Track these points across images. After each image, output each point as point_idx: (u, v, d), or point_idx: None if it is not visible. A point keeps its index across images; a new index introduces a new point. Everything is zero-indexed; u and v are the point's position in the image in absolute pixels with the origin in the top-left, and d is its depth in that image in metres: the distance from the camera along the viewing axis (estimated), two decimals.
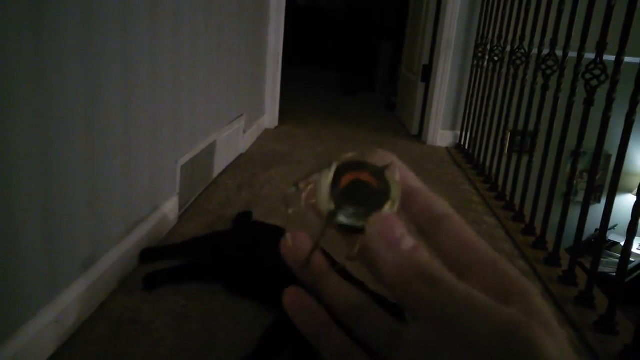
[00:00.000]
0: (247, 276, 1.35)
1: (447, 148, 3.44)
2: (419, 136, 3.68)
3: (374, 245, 0.27)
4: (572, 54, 1.82)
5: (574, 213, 1.74)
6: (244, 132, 2.74)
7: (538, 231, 1.97)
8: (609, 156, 5.43)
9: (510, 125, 2.45)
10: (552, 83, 2.00)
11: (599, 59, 1.60)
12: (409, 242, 0.27)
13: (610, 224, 4.50)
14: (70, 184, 1.08)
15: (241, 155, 2.69)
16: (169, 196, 1.69)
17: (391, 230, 0.27)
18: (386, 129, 3.95)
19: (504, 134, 2.58)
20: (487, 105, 2.82)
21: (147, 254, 1.46)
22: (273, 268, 1.34)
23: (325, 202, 0.27)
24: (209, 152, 2.12)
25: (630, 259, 4.76)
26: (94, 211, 1.20)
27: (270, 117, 3.46)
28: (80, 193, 1.13)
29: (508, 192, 2.35)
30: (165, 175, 1.65)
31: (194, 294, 1.33)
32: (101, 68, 1.16)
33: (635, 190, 5.50)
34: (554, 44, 2.00)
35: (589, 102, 1.66)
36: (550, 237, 1.90)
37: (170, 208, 1.68)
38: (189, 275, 1.39)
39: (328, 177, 0.28)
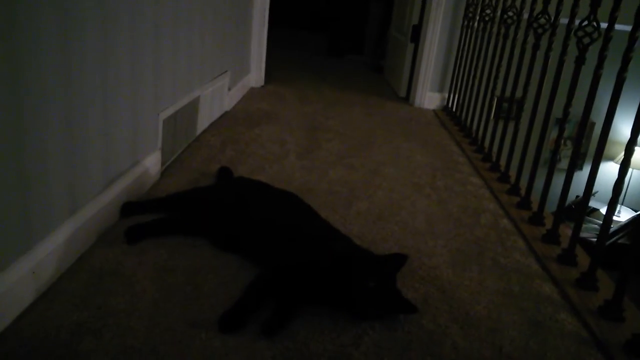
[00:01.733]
0: (232, 230, 1.33)
1: (434, 110, 3.42)
2: (407, 98, 3.64)
3: None
4: (564, 20, 1.78)
5: (557, 181, 1.73)
6: (229, 89, 2.67)
7: (523, 192, 1.97)
8: (592, 124, 5.46)
9: (498, 91, 2.42)
10: (543, 43, 1.96)
11: (592, 16, 1.57)
12: None
13: (592, 191, 4.53)
14: (46, 135, 1.04)
15: (226, 112, 2.64)
16: (150, 151, 1.65)
17: None
18: (373, 91, 3.90)
19: (492, 98, 2.55)
20: (476, 67, 2.78)
21: (128, 208, 1.42)
22: (257, 223, 1.32)
23: None
24: (193, 108, 2.06)
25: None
26: (71, 163, 1.16)
27: (256, 75, 3.38)
28: (57, 144, 1.09)
29: (494, 155, 2.35)
30: (146, 129, 1.61)
31: (177, 248, 1.31)
32: (78, 16, 1.10)
33: (617, 159, 5.57)
34: (546, 2, 1.96)
35: (580, 60, 1.63)
36: (535, 198, 1.90)
37: (152, 163, 1.64)
38: (172, 229, 1.37)
39: None
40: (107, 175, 1.36)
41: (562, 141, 4.57)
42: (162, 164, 1.76)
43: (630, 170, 5.06)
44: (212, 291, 1.16)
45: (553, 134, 1.65)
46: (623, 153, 1.35)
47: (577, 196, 5.30)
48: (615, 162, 5.44)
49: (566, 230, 1.78)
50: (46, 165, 1.06)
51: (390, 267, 1.17)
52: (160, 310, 1.07)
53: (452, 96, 3.28)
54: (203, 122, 2.25)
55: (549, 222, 1.73)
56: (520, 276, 1.41)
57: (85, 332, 0.98)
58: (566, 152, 5.27)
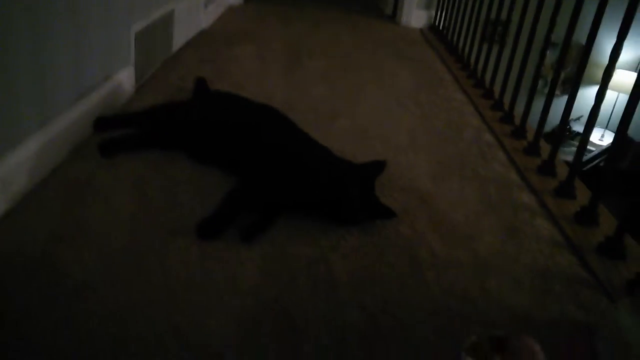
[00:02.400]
0: (209, 143, 1.30)
1: (421, 29, 3.31)
2: (393, 16, 3.51)
3: None
4: None
5: (541, 106, 1.70)
6: (205, 5, 2.54)
7: (506, 107, 1.95)
8: (581, 47, 5.36)
9: (484, 11, 2.33)
10: None
11: None
12: None
13: (576, 115, 4.58)
14: (12, 44, 0.98)
15: (203, 31, 2.52)
16: (123, 65, 1.58)
17: None
18: (359, 10, 3.75)
19: (477, 18, 2.46)
20: None
21: (102, 122, 1.38)
22: (235, 134, 1.29)
23: None
24: (167, 22, 1.97)
25: (591, 148, 4.91)
26: (40, 74, 1.10)
27: None
28: (25, 52, 1.03)
29: (480, 72, 2.30)
30: (118, 43, 1.53)
31: (153, 161, 1.28)
32: None
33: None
34: None
35: None
36: (518, 112, 1.88)
37: (125, 78, 1.58)
38: (148, 143, 1.33)
39: None
40: (78, 89, 1.30)
41: (550, 65, 4.48)
42: (137, 80, 1.69)
43: (616, 94, 5.05)
44: (189, 201, 1.15)
45: (549, 57, 1.62)
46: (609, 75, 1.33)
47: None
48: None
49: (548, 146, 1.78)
50: (13, 75, 1.00)
51: (369, 173, 1.17)
52: (137, 219, 1.07)
53: (439, 14, 3.17)
54: (179, 38, 2.16)
55: (531, 136, 1.72)
56: (499, 186, 1.42)
57: (61, 243, 0.97)
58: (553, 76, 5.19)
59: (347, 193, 1.11)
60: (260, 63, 2.18)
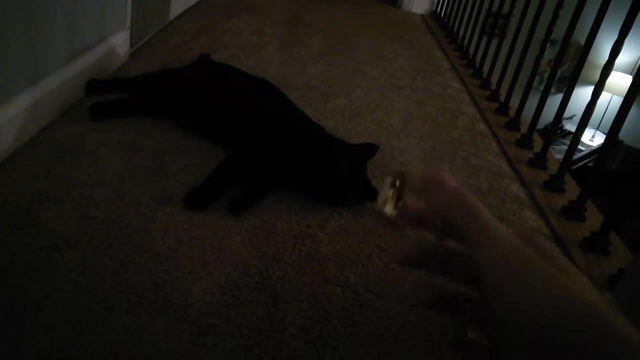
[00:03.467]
0: (201, 113, 1.28)
1: (422, 15, 3.29)
2: (395, 0, 3.47)
3: (428, 187, 0.36)
4: None
5: (536, 102, 1.69)
6: None
7: (502, 98, 1.95)
8: (580, 46, 5.37)
9: (486, 2, 2.32)
10: None
11: None
12: (453, 182, 0.36)
13: (569, 114, 4.58)
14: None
15: (203, 0, 2.48)
16: (118, 29, 1.55)
17: (441, 176, 0.36)
18: None
19: (479, 10, 2.44)
20: None
21: (94, 86, 1.35)
22: (228, 106, 1.28)
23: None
24: None
25: (581, 148, 4.95)
26: (33, 30, 1.07)
27: None
28: (18, 8, 1.00)
29: (478, 62, 2.30)
30: (114, 4, 1.50)
31: (144, 128, 1.26)
32: None
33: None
34: None
35: None
36: (513, 105, 1.88)
37: (120, 41, 1.55)
38: (139, 109, 1.31)
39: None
40: (71, 49, 1.27)
41: (546, 62, 4.47)
42: (131, 45, 1.66)
43: (609, 96, 5.07)
44: (179, 170, 1.13)
45: (547, 54, 1.61)
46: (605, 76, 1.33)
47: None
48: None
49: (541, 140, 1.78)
50: (3, 31, 0.97)
51: (361, 155, 1.16)
52: (124, 184, 1.05)
53: (441, 1, 3.15)
54: (176, 7, 2.12)
55: (524, 129, 1.72)
56: (490, 175, 1.43)
57: (45, 200, 0.96)
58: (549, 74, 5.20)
59: (333, 171, 1.10)
60: (258, 36, 2.16)
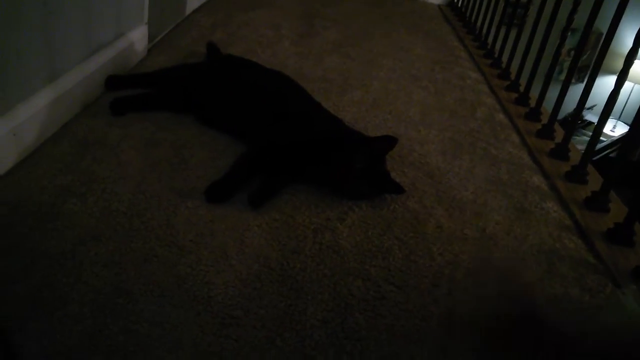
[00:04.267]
0: (220, 107, 1.29)
1: (439, 5, 3.24)
2: None
3: None
4: None
5: (557, 92, 1.66)
6: None
7: (522, 88, 1.92)
8: (600, 34, 5.24)
9: None
10: None
11: None
12: None
13: (590, 104, 4.48)
14: None
15: None
16: (136, 24, 1.56)
17: None
18: None
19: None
20: None
21: (114, 81, 1.37)
22: (247, 100, 1.28)
23: None
24: None
25: (602, 138, 4.86)
26: (50, 26, 1.08)
27: None
28: (35, 6, 1.01)
29: (497, 52, 2.26)
30: (131, 1, 1.50)
31: (164, 122, 1.27)
32: None
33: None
34: None
35: None
36: (533, 95, 1.85)
37: (138, 37, 1.56)
38: (159, 104, 1.32)
39: None
40: (90, 45, 1.29)
41: (566, 51, 4.40)
42: (149, 40, 1.67)
43: (631, 85, 4.95)
44: (199, 164, 1.14)
45: (568, 43, 1.58)
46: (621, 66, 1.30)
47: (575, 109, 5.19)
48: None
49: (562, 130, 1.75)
50: (23, 27, 0.99)
51: (380, 148, 1.16)
52: (146, 178, 1.06)
53: None
54: (193, 1, 2.12)
55: (545, 119, 1.70)
56: (510, 166, 1.41)
57: (69, 195, 0.97)
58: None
59: (351, 163, 1.10)
60: (274, 29, 2.15)
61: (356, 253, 0.97)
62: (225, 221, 0.99)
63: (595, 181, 1.38)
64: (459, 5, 3.05)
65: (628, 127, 5.43)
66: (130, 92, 1.34)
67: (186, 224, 0.96)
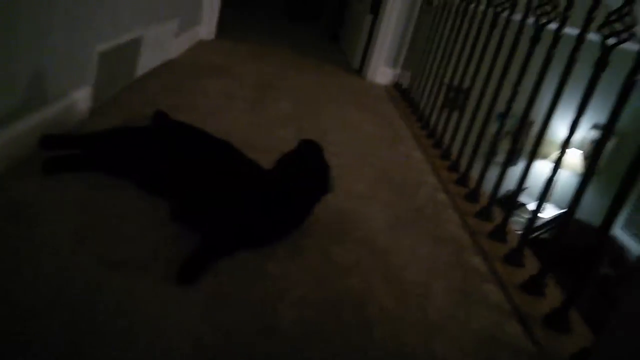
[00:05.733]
0: (159, 173, 1.24)
1: (385, 86, 3.40)
2: (360, 70, 3.60)
3: None
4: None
5: (493, 173, 1.74)
6: (176, 36, 2.52)
7: (462, 169, 1.99)
8: (531, 123, 5.63)
9: (448, 78, 2.43)
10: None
11: None
12: None
13: (523, 187, 4.67)
14: None
15: (171, 60, 2.49)
16: (81, 84, 1.52)
17: None
18: (327, 59, 3.83)
19: (440, 85, 2.55)
20: (430, 49, 2.78)
21: (49, 140, 1.30)
22: (186, 167, 1.25)
23: None
24: (134, 47, 1.93)
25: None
26: None
27: (207, 28, 3.22)
28: None
29: (439, 133, 2.36)
30: (79, 59, 1.47)
31: (99, 186, 1.21)
32: None
33: (550, 157, 5.80)
34: None
35: (535, 40, 1.64)
36: (473, 176, 1.93)
37: (81, 97, 1.52)
38: (95, 166, 1.26)
39: None
40: (27, 100, 1.23)
41: (504, 135, 4.70)
42: (94, 101, 1.63)
43: (560, 170, 5.30)
44: (134, 233, 1.08)
45: (495, 127, 1.70)
46: (557, 152, 1.38)
47: (508, 190, 5.48)
48: (549, 160, 5.66)
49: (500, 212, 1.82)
50: None
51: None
52: (75, 246, 0.99)
53: (404, 73, 3.28)
54: (145, 64, 2.12)
55: (484, 201, 1.75)
56: (452, 247, 1.42)
57: None
58: (505, 145, 5.41)
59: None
60: (226, 98, 2.16)
61: (296, 336, 0.93)
62: (158, 298, 0.92)
63: (532, 265, 1.42)
64: (404, 87, 3.21)
65: (555, 209, 5.78)
66: (66, 152, 1.28)
67: (111, 300, 0.88)
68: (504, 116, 1.75)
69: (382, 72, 3.44)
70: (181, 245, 1.06)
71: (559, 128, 5.41)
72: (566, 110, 1.35)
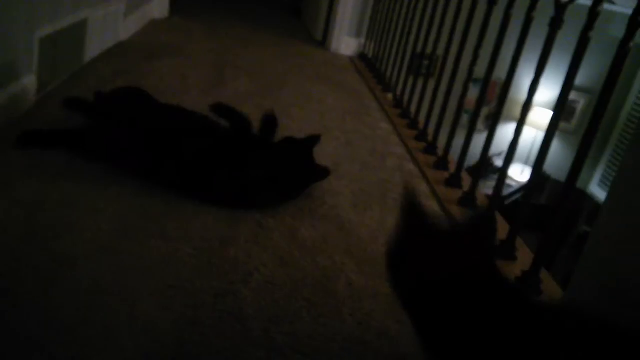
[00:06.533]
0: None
1: (350, 56, 3.34)
2: (323, 42, 3.53)
3: None
4: None
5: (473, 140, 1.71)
6: (125, 16, 2.41)
7: (430, 138, 1.97)
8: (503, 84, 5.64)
9: (411, 45, 2.38)
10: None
11: None
12: None
13: (498, 151, 4.72)
14: None
15: (121, 43, 2.38)
16: (23, 73, 1.43)
17: None
18: (289, 33, 3.75)
19: (405, 51, 2.51)
20: (392, 16, 2.72)
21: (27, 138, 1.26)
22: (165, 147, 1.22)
23: None
24: (79, 31, 1.82)
25: (512, 183, 5.17)
26: None
27: (160, 6, 3.10)
28: None
29: (406, 102, 2.33)
30: (17, 48, 1.38)
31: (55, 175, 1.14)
32: None
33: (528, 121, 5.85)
34: None
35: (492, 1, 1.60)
36: (441, 144, 1.90)
37: (24, 87, 1.43)
38: (69, 143, 1.28)
39: None
40: None
41: (473, 99, 4.70)
42: (41, 88, 1.53)
43: (535, 132, 5.34)
44: (87, 223, 1.02)
45: (470, 94, 1.67)
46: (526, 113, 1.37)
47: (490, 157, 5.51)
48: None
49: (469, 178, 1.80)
50: None
51: (303, 147, 1.35)
52: (24, 242, 0.93)
53: (368, 43, 3.22)
54: (92, 49, 2.01)
55: (453, 168, 1.73)
56: None
57: None
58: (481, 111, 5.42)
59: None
60: (182, 79, 2.08)
61: (261, 320, 0.89)
62: (112, 290, 0.87)
63: (502, 229, 1.40)
64: (369, 56, 3.15)
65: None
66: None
67: (68, 292, 0.83)
68: (467, 80, 1.73)
69: (345, 42, 3.38)
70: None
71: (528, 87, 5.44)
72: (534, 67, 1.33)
